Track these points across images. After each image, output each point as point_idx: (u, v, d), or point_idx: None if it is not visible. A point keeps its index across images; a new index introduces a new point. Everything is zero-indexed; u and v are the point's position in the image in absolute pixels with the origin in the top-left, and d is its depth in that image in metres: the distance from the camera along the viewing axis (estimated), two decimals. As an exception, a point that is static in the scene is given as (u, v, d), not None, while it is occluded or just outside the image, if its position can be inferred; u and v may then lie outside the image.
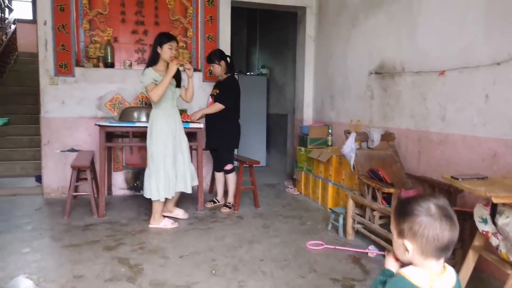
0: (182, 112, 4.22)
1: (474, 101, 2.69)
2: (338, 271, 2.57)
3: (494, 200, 1.75)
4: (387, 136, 3.46)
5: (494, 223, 1.95)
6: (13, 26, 7.96)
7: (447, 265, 1.08)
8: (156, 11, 4.68)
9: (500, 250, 1.92)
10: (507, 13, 2.44)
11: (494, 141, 2.53)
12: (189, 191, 3.52)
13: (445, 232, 1.00)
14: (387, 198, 2.78)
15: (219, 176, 4.14)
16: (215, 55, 3.91)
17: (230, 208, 3.94)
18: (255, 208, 4.09)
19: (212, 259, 2.73)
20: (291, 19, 5.55)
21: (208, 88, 4.73)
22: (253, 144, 6.50)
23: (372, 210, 2.91)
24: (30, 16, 8.99)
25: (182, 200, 4.36)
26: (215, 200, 4.14)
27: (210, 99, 3.99)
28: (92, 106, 4.45)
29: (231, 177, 3.98)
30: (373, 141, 3.36)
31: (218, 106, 3.83)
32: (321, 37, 4.99)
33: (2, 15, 7.66)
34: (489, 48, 2.56)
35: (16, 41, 8.07)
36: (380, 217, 2.87)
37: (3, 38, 7.19)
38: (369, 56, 3.88)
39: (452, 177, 2.08)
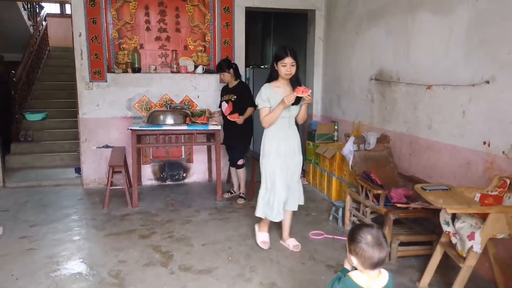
0: (202, 113, 4.74)
1: (454, 115, 3.09)
2: (334, 259, 3.09)
3: (448, 211, 2.22)
4: (383, 139, 3.90)
5: (454, 226, 2.42)
6: (44, 23, 8.52)
7: (383, 270, 1.57)
8: (177, 18, 5.12)
9: (458, 247, 2.39)
10: (482, 43, 2.81)
11: (469, 151, 2.95)
12: (295, 208, 3.33)
13: (375, 254, 1.49)
14: (378, 197, 3.25)
15: (234, 170, 4.62)
16: (224, 64, 4.34)
17: (244, 199, 4.49)
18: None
19: (229, 247, 3.29)
20: (303, 17, 5.87)
21: (225, 88, 5.22)
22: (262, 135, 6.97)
23: (365, 206, 3.40)
24: (58, 10, 9.49)
25: (203, 191, 4.96)
26: (232, 191, 4.69)
27: (226, 105, 4.33)
28: (123, 107, 5.01)
29: (242, 172, 4.50)
30: (369, 143, 3.82)
31: (251, 109, 4.26)
32: (329, 39, 5.35)
33: (35, 12, 8.21)
34: (467, 71, 2.94)
35: (48, 36, 8.64)
36: (371, 213, 3.35)
37: (37, 35, 7.77)
38: (370, 63, 4.26)
39: (422, 187, 2.54)
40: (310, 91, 2.97)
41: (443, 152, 3.23)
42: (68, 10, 9.39)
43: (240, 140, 4.43)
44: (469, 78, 2.92)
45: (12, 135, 6.34)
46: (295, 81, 3.09)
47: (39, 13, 8.39)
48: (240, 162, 4.46)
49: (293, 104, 3.00)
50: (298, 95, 2.93)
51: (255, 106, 3.79)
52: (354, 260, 1.53)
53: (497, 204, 2.33)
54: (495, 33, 2.70)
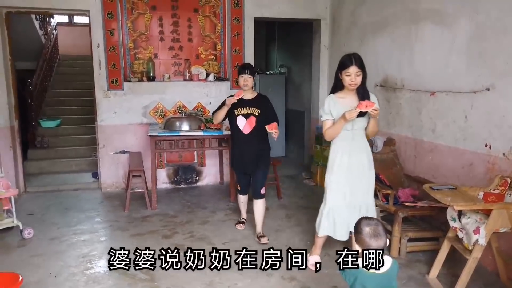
0: (208, 121, 4.98)
1: (456, 120, 3.34)
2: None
3: (456, 208, 2.46)
4: (389, 142, 4.14)
5: (460, 222, 2.66)
6: (54, 32, 8.75)
7: (386, 257, 1.80)
8: (189, 29, 5.37)
9: (464, 241, 2.63)
10: (481, 54, 3.06)
11: (471, 154, 3.19)
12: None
13: (373, 243, 1.77)
14: (387, 196, 3.48)
15: (244, 199, 3.90)
16: (251, 67, 3.65)
17: (262, 236, 3.65)
18: (277, 199, 4.85)
19: (248, 245, 3.51)
20: (307, 24, 6.11)
21: (235, 95, 5.46)
22: (272, 138, 7.21)
23: (375, 205, 3.62)
24: (66, 19, 9.73)
25: (216, 193, 5.18)
26: (243, 220, 4.02)
27: (244, 120, 3.52)
28: (138, 114, 5.24)
29: (263, 203, 3.68)
30: (376, 147, 4.06)
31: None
32: (334, 47, 5.60)
33: (46, 22, 8.44)
34: (469, 79, 3.19)
35: (58, 45, 8.87)
36: (381, 211, 3.58)
37: (48, 44, 8.00)
38: (375, 70, 4.50)
39: (430, 187, 2.78)
40: (375, 104, 2.71)
41: (447, 154, 3.46)
42: (76, 19, 9.65)
43: (265, 162, 3.67)
44: (471, 85, 3.17)
45: (29, 141, 6.56)
46: (362, 91, 2.83)
47: (50, 22, 8.62)
48: (263, 190, 3.66)
49: (358, 116, 2.73)
50: (362, 110, 2.67)
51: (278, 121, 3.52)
52: (358, 247, 1.82)
53: (499, 201, 2.57)
54: (493, 44, 2.95)
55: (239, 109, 3.54)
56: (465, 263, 2.59)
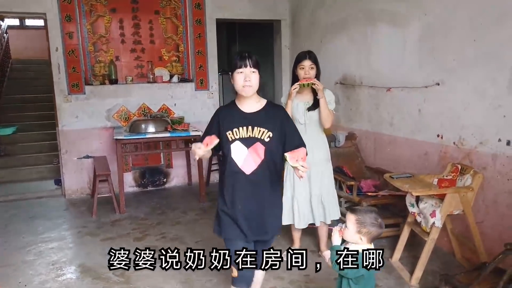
0: (181, 120, 5.01)
1: (411, 113, 3.58)
2: (316, 244, 3.48)
3: (413, 194, 2.67)
4: (350, 136, 4.36)
5: (418, 207, 2.87)
6: (5, 35, 8.37)
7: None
8: (151, 30, 5.35)
9: (422, 225, 2.85)
10: (431, 52, 3.31)
11: (425, 144, 3.44)
12: (317, 223, 3.09)
13: (380, 232, 1.84)
14: (350, 187, 3.68)
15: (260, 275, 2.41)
16: (254, 57, 2.10)
17: None
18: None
19: (222, 242, 3.58)
20: (268, 25, 6.24)
21: (200, 96, 5.51)
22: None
23: (340, 196, 3.82)
24: (17, 22, 9.33)
25: (185, 194, 5.21)
26: None
27: (245, 150, 2.06)
28: (102, 118, 5.16)
29: (263, 274, 2.43)
30: (339, 141, 4.26)
31: (305, 151, 2.06)
32: (295, 47, 5.77)
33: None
34: (421, 75, 3.43)
35: (9, 49, 8.49)
36: (346, 202, 3.77)
37: (0, 48, 7.65)
38: (335, 69, 4.71)
39: (390, 176, 2.98)
40: (313, 79, 2.87)
41: (404, 146, 3.71)
42: (28, 22, 9.28)
43: (277, 223, 2.25)
44: (423, 81, 3.42)
45: (-17, 150, 6.26)
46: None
47: (0, 25, 8.23)
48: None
49: (310, 110, 2.91)
50: (301, 83, 2.83)
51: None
52: (364, 238, 1.83)
53: (452, 186, 2.80)
54: (441, 43, 3.21)
55: (234, 130, 2.05)
56: (424, 245, 2.81)
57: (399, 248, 3.11)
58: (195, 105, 5.52)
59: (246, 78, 2.01)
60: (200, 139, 2.10)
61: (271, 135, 2.04)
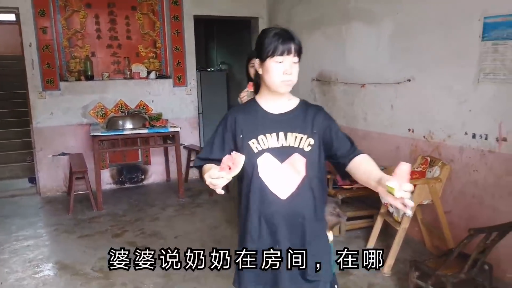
0: (159, 117, 5.00)
1: (384, 109, 3.71)
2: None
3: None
4: (327, 132, 4.47)
5: (390, 198, 2.99)
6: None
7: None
8: (128, 26, 5.30)
9: (394, 215, 2.97)
10: (403, 49, 3.44)
11: (397, 138, 3.58)
12: None
13: (335, 222, 1.96)
14: (326, 181, 3.78)
15: None
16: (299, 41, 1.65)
17: None
18: (227, 192, 4.98)
19: (201, 237, 3.63)
20: (246, 22, 6.28)
21: (178, 92, 5.51)
22: (217, 134, 7.35)
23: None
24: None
25: (163, 190, 5.21)
26: None
27: (278, 163, 1.50)
28: (78, 114, 5.09)
29: None
30: (316, 137, 4.36)
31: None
32: (272, 44, 5.84)
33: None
34: (393, 71, 3.56)
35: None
36: (322, 196, 3.88)
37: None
38: (311, 66, 4.80)
39: (364, 169, 3.09)
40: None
41: (377, 140, 3.84)
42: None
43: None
44: (394, 77, 3.54)
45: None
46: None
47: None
48: None
49: None
50: (252, 90, 2.79)
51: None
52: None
53: (422, 178, 2.93)
54: (412, 41, 3.34)
55: (260, 138, 1.51)
56: (396, 235, 2.93)
57: (372, 237, 3.23)
58: (173, 102, 5.51)
59: (287, 71, 1.45)
60: (202, 153, 1.58)
61: (312, 142, 1.49)
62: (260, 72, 1.50)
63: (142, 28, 5.37)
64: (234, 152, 1.37)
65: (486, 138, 2.78)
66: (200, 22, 8.28)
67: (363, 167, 1.47)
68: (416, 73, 3.32)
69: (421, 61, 3.26)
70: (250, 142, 1.48)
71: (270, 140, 1.49)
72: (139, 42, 5.39)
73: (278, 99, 1.54)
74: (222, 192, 1.30)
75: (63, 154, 5.06)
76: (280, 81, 1.45)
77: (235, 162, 1.32)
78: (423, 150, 3.27)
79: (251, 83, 2.88)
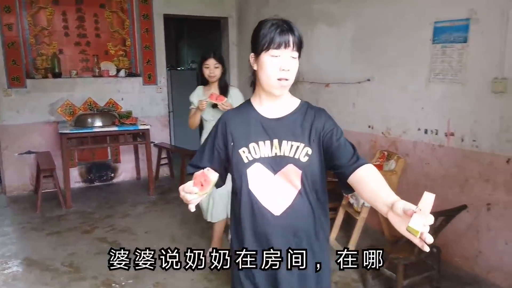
0: (129, 114, 5.03)
1: (347, 107, 3.92)
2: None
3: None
4: (294, 129, 4.64)
5: (351, 190, 3.18)
6: None
7: None
8: (96, 24, 5.29)
9: (354, 206, 3.17)
10: (363, 50, 3.65)
11: (358, 134, 3.79)
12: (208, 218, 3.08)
13: None
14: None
15: None
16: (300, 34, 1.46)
17: None
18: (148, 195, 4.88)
19: (171, 232, 3.71)
20: (216, 22, 6.38)
21: (148, 90, 5.54)
22: (188, 132, 7.39)
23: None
24: None
25: (134, 188, 5.23)
26: None
27: (271, 174, 1.37)
28: (45, 112, 5.03)
29: None
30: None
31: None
32: (242, 44, 5.98)
33: None
34: (355, 71, 3.77)
35: None
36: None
37: None
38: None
39: (327, 163, 3.27)
40: (225, 99, 2.88)
41: (341, 137, 4.04)
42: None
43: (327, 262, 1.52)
44: (356, 77, 3.75)
45: None
46: (221, 84, 3.02)
47: None
48: None
49: (214, 107, 2.92)
50: (212, 101, 2.86)
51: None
52: None
53: (379, 170, 3.13)
54: (371, 42, 3.55)
55: (251, 146, 1.37)
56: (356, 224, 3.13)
57: (335, 228, 3.42)
58: (143, 100, 5.55)
59: (284, 66, 1.30)
60: (194, 160, 1.47)
61: (309, 152, 1.33)
62: (255, 68, 1.35)
63: (111, 26, 5.37)
64: (207, 168, 1.26)
65: (436, 134, 3.02)
66: (171, 21, 8.32)
67: (369, 184, 1.22)
68: (375, 73, 3.54)
69: (380, 62, 3.48)
70: (240, 151, 1.34)
71: (263, 149, 1.34)
72: (108, 40, 5.39)
73: (274, 101, 1.38)
74: (193, 209, 1.21)
75: (30, 152, 5.00)
76: (276, 78, 1.29)
77: (206, 179, 1.22)
78: (382, 145, 3.49)
79: (213, 95, 2.87)
